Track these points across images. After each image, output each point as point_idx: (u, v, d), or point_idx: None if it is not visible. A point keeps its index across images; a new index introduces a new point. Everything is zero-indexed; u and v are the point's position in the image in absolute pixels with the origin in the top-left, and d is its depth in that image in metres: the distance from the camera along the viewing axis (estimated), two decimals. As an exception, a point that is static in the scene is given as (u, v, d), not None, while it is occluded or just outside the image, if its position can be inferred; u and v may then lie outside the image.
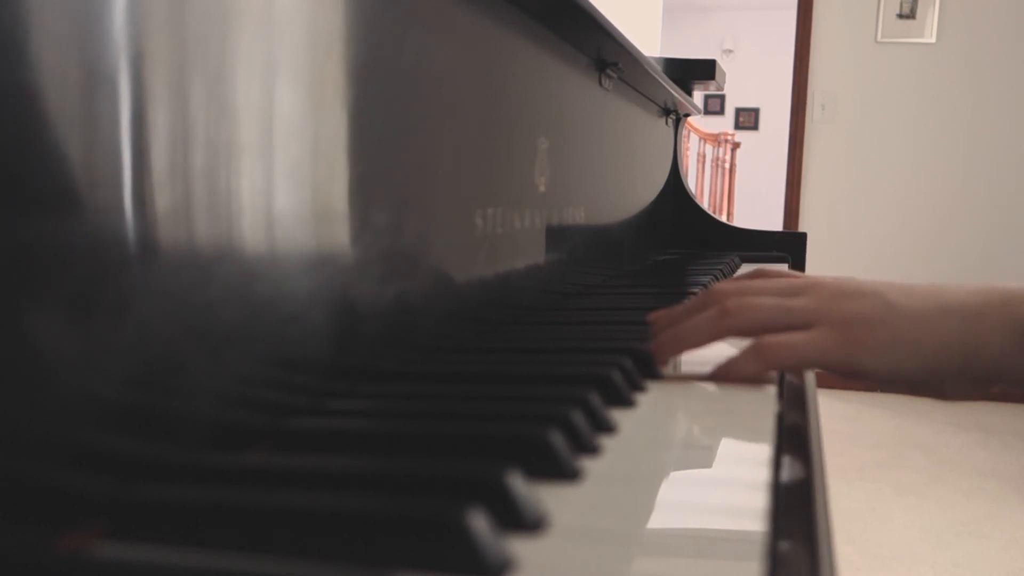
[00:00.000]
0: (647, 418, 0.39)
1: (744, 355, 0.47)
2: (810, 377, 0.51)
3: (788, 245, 1.33)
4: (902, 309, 0.45)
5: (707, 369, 0.49)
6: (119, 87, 0.27)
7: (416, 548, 0.23)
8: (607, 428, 0.37)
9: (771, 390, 0.45)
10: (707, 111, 7.14)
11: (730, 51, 7.20)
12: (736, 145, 4.68)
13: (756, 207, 6.53)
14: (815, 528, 0.27)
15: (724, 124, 7.04)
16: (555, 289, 0.76)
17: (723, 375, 0.48)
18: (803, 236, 1.35)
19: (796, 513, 0.28)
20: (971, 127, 3.25)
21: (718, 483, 0.32)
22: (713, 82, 1.39)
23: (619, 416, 0.39)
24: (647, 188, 1.19)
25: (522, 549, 0.24)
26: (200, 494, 0.26)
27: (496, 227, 0.62)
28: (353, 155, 0.42)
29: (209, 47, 0.32)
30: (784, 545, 0.25)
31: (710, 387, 0.47)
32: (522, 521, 0.26)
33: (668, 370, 0.50)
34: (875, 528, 2.12)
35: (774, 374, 0.49)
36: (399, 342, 0.47)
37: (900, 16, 3.25)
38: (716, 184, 4.64)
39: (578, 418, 0.34)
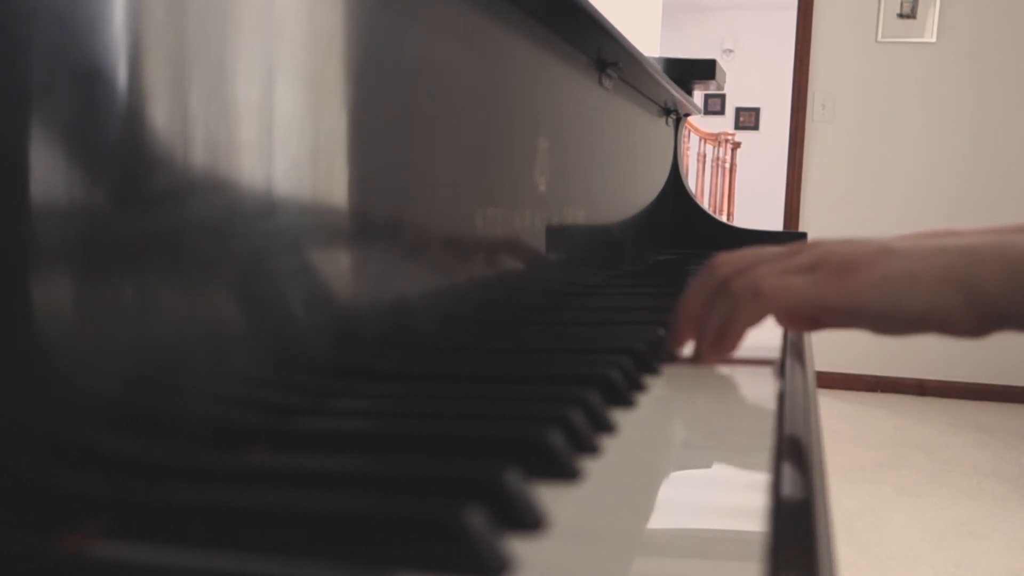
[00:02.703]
0: (647, 418, 0.39)
1: (742, 302, 0.47)
2: (810, 377, 0.51)
3: (788, 245, 1.33)
4: (899, 249, 0.45)
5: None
6: (119, 85, 0.27)
7: (415, 548, 0.23)
8: (607, 428, 0.37)
9: (771, 389, 0.45)
10: (707, 111, 7.14)
11: (730, 51, 7.20)
12: (736, 145, 4.68)
13: (756, 207, 6.53)
14: (815, 528, 0.27)
15: (724, 124, 7.04)
16: (555, 289, 0.76)
17: (729, 332, 0.48)
18: (803, 236, 1.35)
19: (796, 513, 0.28)
20: (971, 127, 3.25)
21: (718, 483, 0.32)
22: (713, 82, 1.39)
23: (619, 416, 0.39)
24: (647, 188, 1.19)
25: (522, 549, 0.24)
26: (200, 494, 0.26)
27: (496, 227, 0.62)
28: (353, 154, 0.42)
29: (209, 45, 0.32)
30: (784, 545, 0.25)
31: (710, 386, 0.47)
32: (522, 521, 0.25)
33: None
34: (875, 528, 2.12)
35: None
36: (399, 342, 0.47)
37: (900, 16, 3.25)
38: (716, 184, 4.64)
39: (578, 418, 0.34)
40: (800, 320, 0.48)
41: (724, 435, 0.38)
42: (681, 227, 1.37)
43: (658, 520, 0.27)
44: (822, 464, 0.35)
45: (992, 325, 0.44)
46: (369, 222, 0.44)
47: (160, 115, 0.29)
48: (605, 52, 0.84)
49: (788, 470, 0.32)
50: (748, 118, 7.26)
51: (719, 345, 0.49)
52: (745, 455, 0.35)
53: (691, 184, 3.55)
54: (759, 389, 0.46)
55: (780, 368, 0.51)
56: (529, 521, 0.26)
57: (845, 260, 0.46)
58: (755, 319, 0.48)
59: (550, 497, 0.28)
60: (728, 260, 0.50)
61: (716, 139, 4.62)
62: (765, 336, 0.59)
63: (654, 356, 0.50)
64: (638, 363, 0.47)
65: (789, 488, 0.31)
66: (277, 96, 0.36)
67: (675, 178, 1.36)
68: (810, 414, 0.42)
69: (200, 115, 0.31)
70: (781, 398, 0.44)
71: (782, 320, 0.49)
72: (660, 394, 0.44)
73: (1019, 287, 0.43)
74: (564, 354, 0.51)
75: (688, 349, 0.52)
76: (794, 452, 0.35)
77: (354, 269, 0.42)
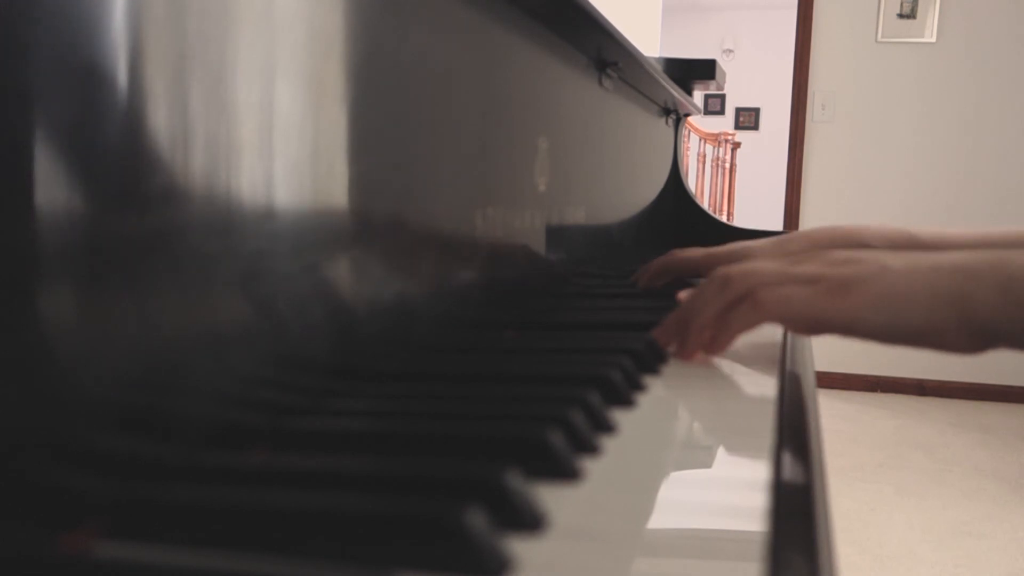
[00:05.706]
0: (647, 418, 0.39)
1: (741, 308, 0.48)
2: (810, 377, 0.51)
3: (788, 245, 1.33)
4: (896, 268, 0.46)
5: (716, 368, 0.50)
6: (119, 85, 0.27)
7: (415, 548, 0.23)
8: (607, 428, 0.37)
9: (771, 389, 0.45)
10: (707, 111, 7.14)
11: (730, 51, 7.20)
12: (736, 145, 4.68)
13: (756, 207, 6.53)
14: (815, 528, 0.27)
15: (724, 124, 7.04)
16: (555, 289, 0.76)
17: (722, 334, 0.49)
18: (803, 236, 1.35)
19: (796, 513, 0.28)
20: (971, 127, 3.25)
21: (718, 483, 0.32)
22: (713, 82, 1.39)
23: (619, 416, 0.39)
24: (647, 188, 1.19)
25: (522, 549, 0.24)
26: (200, 494, 0.26)
27: (496, 227, 0.62)
28: (353, 154, 0.42)
29: (209, 45, 0.32)
30: (784, 545, 0.25)
31: (710, 386, 0.47)
32: (522, 521, 0.26)
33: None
34: (875, 528, 2.12)
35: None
36: (399, 342, 0.47)
37: (900, 16, 3.25)
38: (716, 184, 4.64)
39: (578, 418, 0.34)
40: (797, 328, 0.49)
41: (724, 435, 0.38)
42: (681, 227, 1.37)
43: (658, 520, 0.27)
44: (822, 464, 0.35)
45: (985, 342, 0.45)
46: (369, 222, 0.44)
47: (160, 115, 0.29)
48: (605, 52, 0.84)
49: (788, 470, 0.32)
50: (748, 118, 7.25)
51: (711, 345, 0.50)
52: (745, 455, 0.35)
53: (691, 184, 3.55)
54: (759, 388, 0.46)
55: (780, 367, 0.51)
56: (529, 521, 0.26)
57: (845, 278, 0.47)
58: (750, 326, 0.49)
59: (550, 497, 0.28)
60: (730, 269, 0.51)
61: (716, 139, 4.62)
62: (766, 334, 0.59)
63: (654, 356, 0.50)
64: (638, 363, 0.47)
65: (789, 488, 0.31)
66: (277, 96, 0.36)
67: (675, 178, 1.36)
68: (810, 413, 0.42)
69: (200, 115, 0.31)
70: (781, 397, 0.44)
71: (778, 324, 0.50)
72: (660, 394, 0.44)
73: (1011, 305, 0.43)
74: (564, 354, 0.51)
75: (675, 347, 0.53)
76: (794, 452, 0.35)
77: (354, 269, 0.42)
